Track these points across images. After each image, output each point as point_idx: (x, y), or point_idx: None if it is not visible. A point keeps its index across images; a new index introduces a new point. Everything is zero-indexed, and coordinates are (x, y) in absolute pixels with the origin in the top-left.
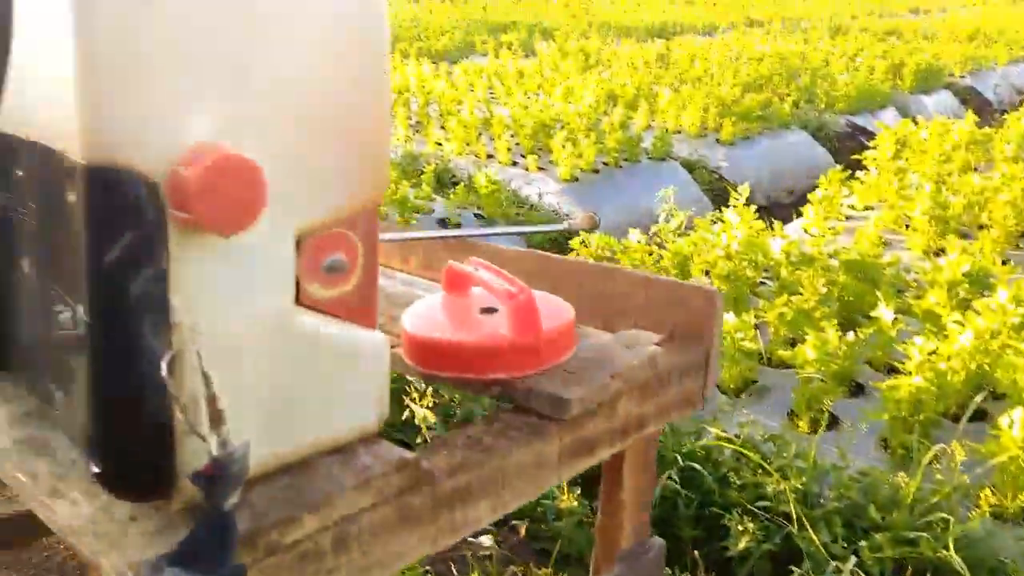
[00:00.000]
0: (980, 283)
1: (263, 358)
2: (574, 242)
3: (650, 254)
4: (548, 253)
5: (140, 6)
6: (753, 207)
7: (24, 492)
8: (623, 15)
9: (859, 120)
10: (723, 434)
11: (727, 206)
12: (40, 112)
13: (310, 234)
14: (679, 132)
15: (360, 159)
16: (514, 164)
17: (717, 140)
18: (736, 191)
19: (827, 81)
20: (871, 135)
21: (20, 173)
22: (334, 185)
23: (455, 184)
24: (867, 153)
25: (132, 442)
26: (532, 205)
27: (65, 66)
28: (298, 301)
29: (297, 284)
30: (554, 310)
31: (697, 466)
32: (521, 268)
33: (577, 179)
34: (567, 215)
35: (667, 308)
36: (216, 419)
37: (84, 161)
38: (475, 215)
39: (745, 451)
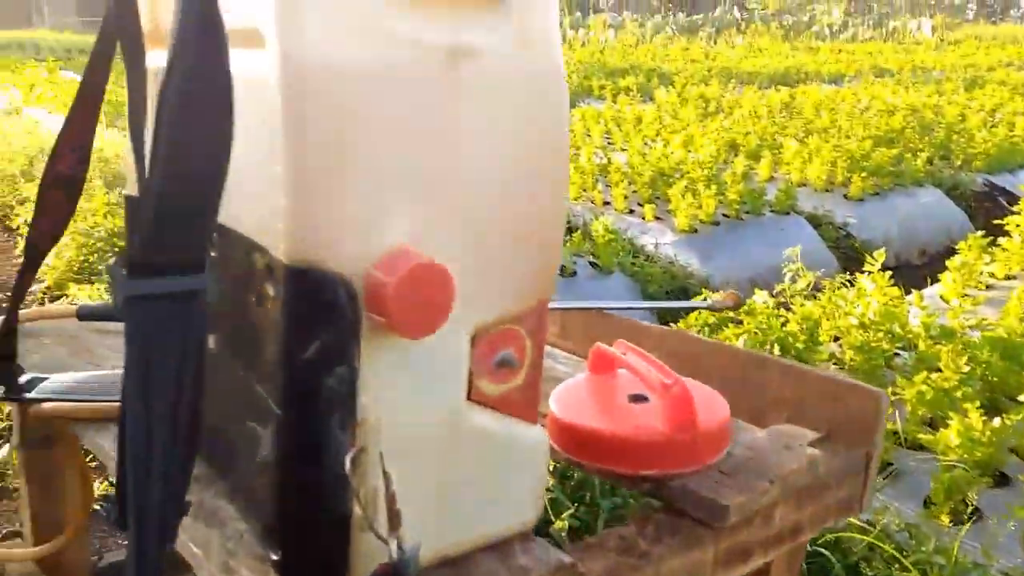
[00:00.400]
0: None
1: (432, 453)
2: (695, 300)
3: (777, 317)
4: (692, 333)
5: (348, 122)
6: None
7: (195, 562)
8: (743, 61)
9: (998, 180)
10: (855, 521)
11: (855, 266)
12: (249, 208)
13: (484, 332)
14: (804, 185)
15: (537, 259)
16: (631, 212)
17: (845, 195)
18: (870, 255)
19: (963, 137)
20: (1011, 196)
21: (221, 258)
22: (511, 285)
23: (571, 231)
24: (1010, 218)
25: (311, 533)
26: (648, 255)
27: (276, 171)
28: (469, 397)
29: (469, 380)
30: (708, 403)
31: (826, 552)
32: (664, 347)
33: (696, 230)
34: (685, 266)
35: (824, 403)
36: (395, 520)
37: (288, 260)
38: (590, 263)
39: (879, 543)
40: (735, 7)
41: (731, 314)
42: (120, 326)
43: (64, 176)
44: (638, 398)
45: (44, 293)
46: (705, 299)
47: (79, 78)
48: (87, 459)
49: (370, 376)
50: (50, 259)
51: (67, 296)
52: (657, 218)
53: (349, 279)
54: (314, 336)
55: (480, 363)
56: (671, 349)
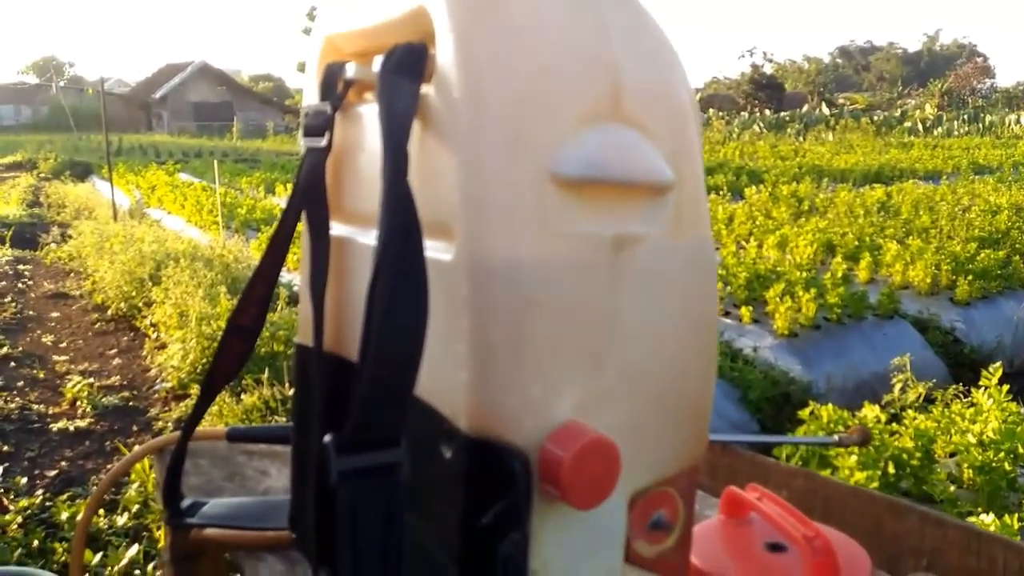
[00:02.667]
0: None
1: None
2: (802, 412)
3: (892, 434)
4: (821, 474)
5: (526, 308)
6: (996, 380)
7: None
8: (835, 158)
9: None
10: None
11: (965, 372)
12: (429, 376)
13: (640, 495)
14: (906, 288)
15: (690, 426)
16: (726, 314)
17: (951, 299)
18: (986, 370)
19: None
20: None
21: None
22: (667, 450)
23: None
24: None
25: None
26: (747, 359)
27: (460, 349)
28: (626, 559)
29: (626, 543)
30: (848, 556)
31: None
32: (792, 487)
33: (796, 334)
34: (786, 371)
35: (965, 555)
36: None
37: (468, 431)
38: None
39: None
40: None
41: (840, 428)
42: (265, 447)
43: (245, 328)
44: (775, 547)
45: (167, 393)
46: (831, 435)
47: (194, 179)
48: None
49: (540, 541)
50: (175, 360)
51: (190, 395)
52: (755, 320)
53: (525, 451)
54: (491, 503)
55: (636, 526)
56: (800, 489)
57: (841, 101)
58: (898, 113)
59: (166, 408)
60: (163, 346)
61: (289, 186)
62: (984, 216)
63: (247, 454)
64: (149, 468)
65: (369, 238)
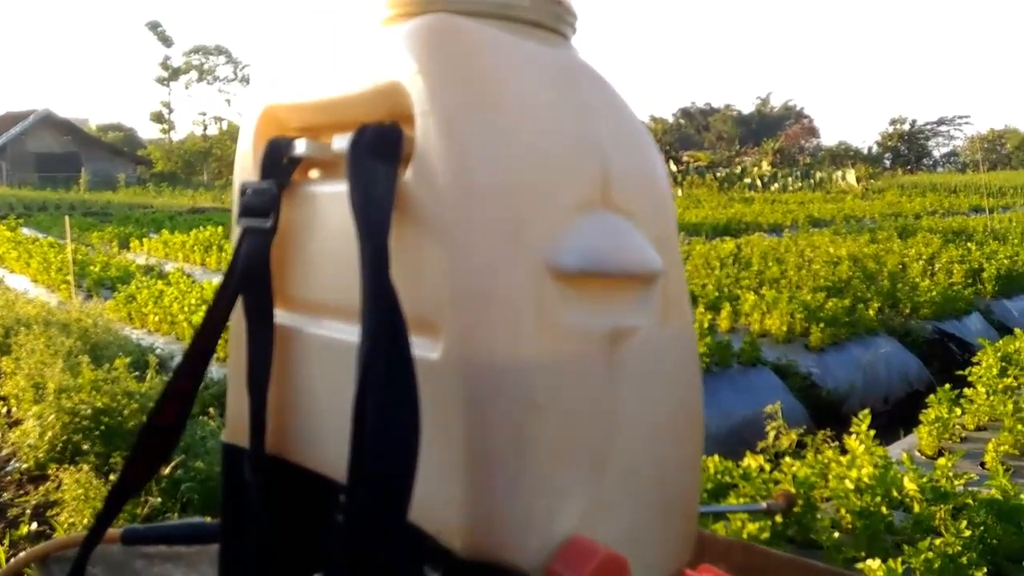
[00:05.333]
0: None
1: None
2: None
3: (775, 483)
4: (758, 546)
5: (529, 410)
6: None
7: None
8: (686, 212)
9: (946, 326)
10: None
11: (824, 415)
12: (419, 498)
13: None
14: (764, 335)
15: (682, 524)
16: None
17: (806, 345)
18: (855, 416)
19: (907, 285)
20: (960, 342)
21: None
22: (662, 554)
23: None
24: (972, 369)
25: None
26: None
27: (453, 457)
28: None
29: None
30: None
31: None
32: (730, 560)
33: None
34: None
35: None
36: None
37: (464, 553)
38: None
39: None
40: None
41: (727, 479)
42: (166, 549)
43: (165, 427)
44: None
45: (22, 474)
46: (758, 502)
47: (39, 234)
48: None
49: None
50: (32, 438)
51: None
52: None
53: (530, 574)
54: None
55: None
56: (739, 563)
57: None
58: (738, 170)
59: (22, 492)
60: (16, 423)
61: (146, 242)
62: (827, 266)
63: (146, 558)
64: None
65: (321, 328)
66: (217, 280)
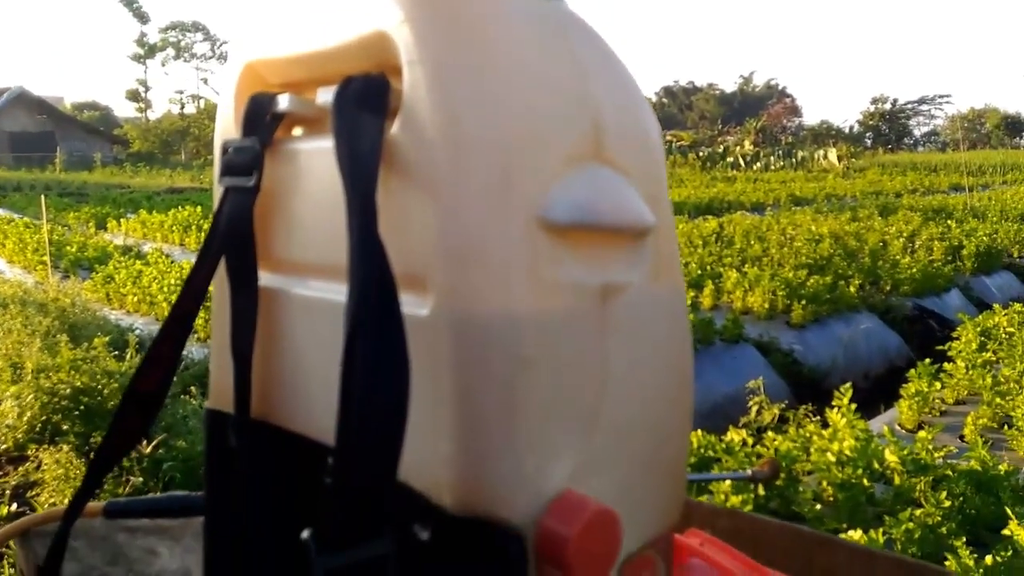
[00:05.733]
0: None
1: None
2: None
3: (758, 456)
4: (750, 513)
5: (521, 366)
6: (847, 402)
7: None
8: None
9: (926, 303)
10: None
11: (806, 391)
12: (409, 455)
13: (626, 563)
14: (747, 313)
15: (671, 484)
16: None
17: (787, 323)
18: (837, 390)
19: (887, 263)
20: (939, 318)
21: None
22: (652, 513)
23: None
24: (952, 344)
25: None
26: None
27: (444, 415)
28: None
29: None
30: None
31: None
32: (716, 526)
33: None
34: None
35: None
36: None
37: (454, 510)
38: None
39: None
40: None
41: (711, 453)
42: (149, 523)
43: (147, 394)
44: None
45: (0, 455)
46: (743, 470)
47: (15, 215)
48: None
49: None
50: (10, 419)
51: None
52: None
53: (521, 529)
54: None
55: None
56: (725, 528)
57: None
58: (721, 149)
59: (1, 473)
60: None
61: (124, 222)
62: (808, 244)
63: (129, 531)
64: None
65: (306, 288)
66: None
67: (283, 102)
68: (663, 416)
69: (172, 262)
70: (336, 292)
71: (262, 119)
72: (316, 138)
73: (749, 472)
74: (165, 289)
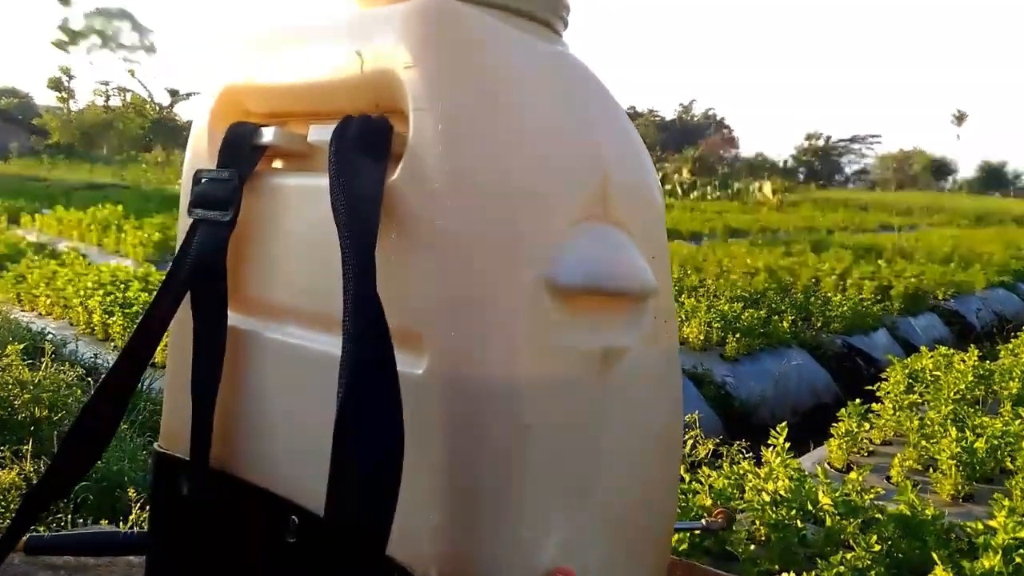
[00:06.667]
0: None
1: None
2: None
3: (694, 494)
4: (700, 565)
5: (521, 434)
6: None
7: None
8: None
9: (854, 341)
10: None
11: (736, 424)
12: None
13: None
14: (682, 343)
15: (655, 558)
16: None
17: (721, 355)
18: (774, 430)
19: (819, 299)
20: (867, 357)
21: None
22: None
23: None
24: (880, 384)
25: None
26: None
27: (435, 483)
28: None
29: None
30: None
31: None
32: None
33: None
34: None
35: None
36: None
37: None
38: None
39: None
40: None
41: None
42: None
43: (95, 429)
44: None
45: None
46: (699, 519)
47: None
48: None
49: None
50: None
51: None
52: None
53: None
54: None
55: None
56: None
57: None
58: (659, 176)
59: None
60: None
61: (40, 217)
62: (744, 277)
63: (51, 569)
64: None
65: (281, 334)
66: (117, 263)
67: (268, 135)
68: (652, 485)
69: (89, 263)
70: (315, 341)
71: (243, 150)
72: (301, 175)
73: (703, 522)
74: (81, 292)
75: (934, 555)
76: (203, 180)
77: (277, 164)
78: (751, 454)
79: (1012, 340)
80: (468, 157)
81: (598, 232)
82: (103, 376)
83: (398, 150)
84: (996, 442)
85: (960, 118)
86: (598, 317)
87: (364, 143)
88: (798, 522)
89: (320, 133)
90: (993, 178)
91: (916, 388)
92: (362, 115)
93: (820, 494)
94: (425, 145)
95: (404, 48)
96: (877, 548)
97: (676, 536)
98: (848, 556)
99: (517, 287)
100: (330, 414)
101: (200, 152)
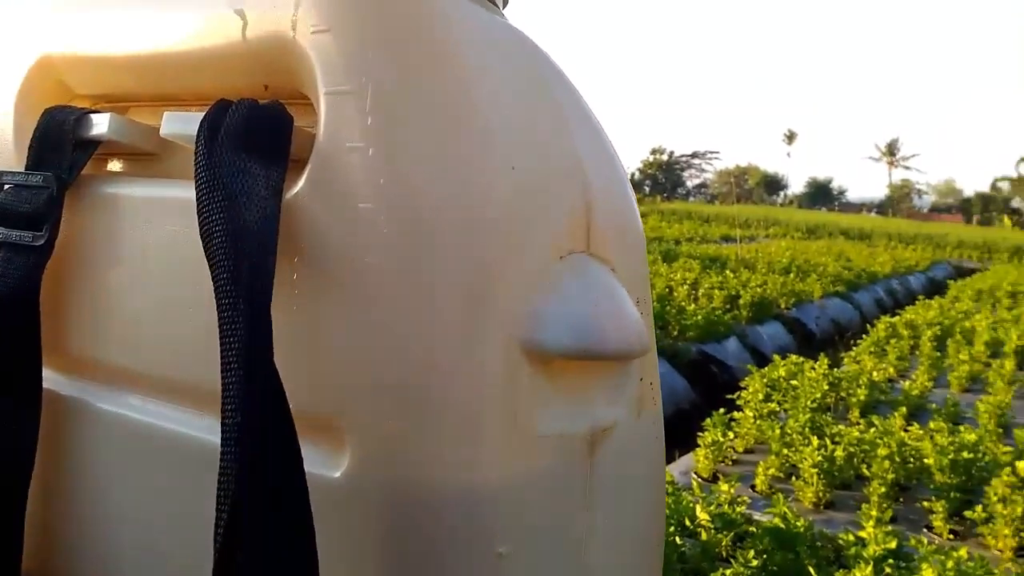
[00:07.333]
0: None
1: None
2: None
3: None
4: None
5: (483, 557)
6: None
7: None
8: None
9: (708, 349)
10: None
11: None
12: None
13: None
14: None
15: None
16: None
17: None
18: None
19: (674, 308)
20: (720, 364)
21: None
22: None
23: None
24: (740, 393)
25: None
26: None
27: None
28: None
29: None
30: None
31: None
32: None
33: None
34: None
35: None
36: None
37: None
38: None
39: None
40: None
41: None
42: None
43: None
44: None
45: None
46: None
47: None
48: None
49: None
50: None
51: None
52: None
53: None
54: None
55: None
56: None
57: None
58: None
59: None
60: None
61: None
62: None
63: None
64: None
65: (120, 405)
66: None
67: (101, 124)
68: None
69: None
70: (172, 420)
71: (62, 146)
72: (149, 182)
73: None
74: None
75: (809, 568)
76: (5, 187)
77: (114, 166)
78: None
79: (853, 348)
80: (412, 162)
81: (581, 270)
82: None
83: (300, 151)
84: (853, 449)
85: (791, 137)
86: (580, 386)
87: (249, 139)
88: (677, 538)
89: (178, 124)
90: (820, 193)
91: (774, 396)
92: (244, 99)
93: (698, 509)
94: (345, 144)
95: (310, 4)
96: (755, 563)
97: None
98: (728, 572)
99: (483, 351)
100: (198, 520)
101: (2, 146)
